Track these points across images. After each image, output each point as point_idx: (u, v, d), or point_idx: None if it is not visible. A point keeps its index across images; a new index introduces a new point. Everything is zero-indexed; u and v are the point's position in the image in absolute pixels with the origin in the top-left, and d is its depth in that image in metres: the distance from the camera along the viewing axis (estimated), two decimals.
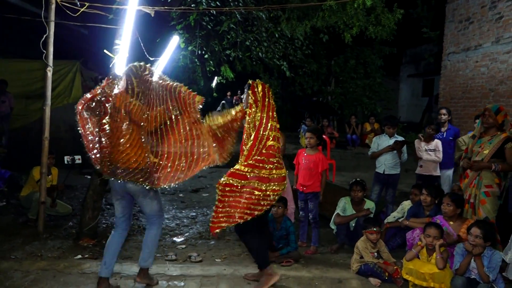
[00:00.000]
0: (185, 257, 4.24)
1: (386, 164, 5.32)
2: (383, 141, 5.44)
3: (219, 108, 18.68)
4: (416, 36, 14.56)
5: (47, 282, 3.50)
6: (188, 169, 3.28)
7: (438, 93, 11.08)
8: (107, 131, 3.03)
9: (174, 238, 4.93)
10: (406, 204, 4.96)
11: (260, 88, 3.43)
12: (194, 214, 6.05)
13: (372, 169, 5.62)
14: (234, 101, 18.72)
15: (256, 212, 3.25)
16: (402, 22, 9.73)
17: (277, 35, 9.03)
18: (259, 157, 3.30)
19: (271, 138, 3.35)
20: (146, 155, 3.09)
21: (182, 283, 3.58)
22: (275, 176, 3.33)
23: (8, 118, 8.20)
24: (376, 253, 3.99)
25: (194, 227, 5.40)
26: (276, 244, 4.33)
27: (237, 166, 3.30)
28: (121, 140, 3.03)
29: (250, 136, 3.35)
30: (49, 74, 4.70)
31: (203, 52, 8.95)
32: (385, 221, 4.95)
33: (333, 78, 15.13)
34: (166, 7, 6.07)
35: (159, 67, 6.94)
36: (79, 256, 4.11)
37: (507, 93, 8.27)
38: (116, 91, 3.08)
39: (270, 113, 3.41)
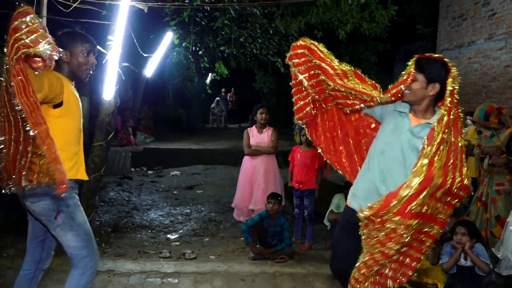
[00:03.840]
0: (179, 254, 4.23)
1: None
2: None
3: (213, 105, 18.61)
4: (410, 32, 14.59)
5: (40, 280, 3.48)
6: None
7: None
8: None
9: (168, 235, 4.92)
10: None
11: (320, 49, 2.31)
12: (188, 211, 6.03)
13: None
14: (228, 97, 18.63)
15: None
16: (396, 19, 9.76)
17: (271, 32, 9.02)
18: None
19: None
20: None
21: (176, 280, 3.58)
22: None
23: None
24: None
25: (188, 224, 5.39)
26: (270, 240, 4.34)
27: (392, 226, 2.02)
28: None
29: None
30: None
31: (197, 49, 8.93)
32: None
33: None
34: (159, 3, 6.04)
35: (153, 64, 6.93)
36: None
37: (499, 89, 8.32)
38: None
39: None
